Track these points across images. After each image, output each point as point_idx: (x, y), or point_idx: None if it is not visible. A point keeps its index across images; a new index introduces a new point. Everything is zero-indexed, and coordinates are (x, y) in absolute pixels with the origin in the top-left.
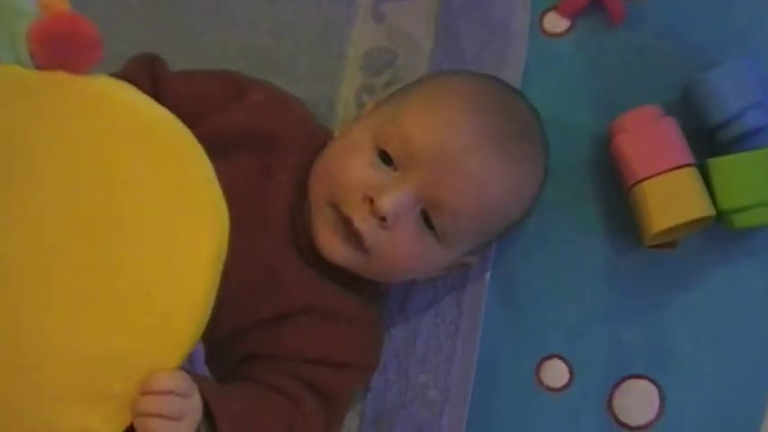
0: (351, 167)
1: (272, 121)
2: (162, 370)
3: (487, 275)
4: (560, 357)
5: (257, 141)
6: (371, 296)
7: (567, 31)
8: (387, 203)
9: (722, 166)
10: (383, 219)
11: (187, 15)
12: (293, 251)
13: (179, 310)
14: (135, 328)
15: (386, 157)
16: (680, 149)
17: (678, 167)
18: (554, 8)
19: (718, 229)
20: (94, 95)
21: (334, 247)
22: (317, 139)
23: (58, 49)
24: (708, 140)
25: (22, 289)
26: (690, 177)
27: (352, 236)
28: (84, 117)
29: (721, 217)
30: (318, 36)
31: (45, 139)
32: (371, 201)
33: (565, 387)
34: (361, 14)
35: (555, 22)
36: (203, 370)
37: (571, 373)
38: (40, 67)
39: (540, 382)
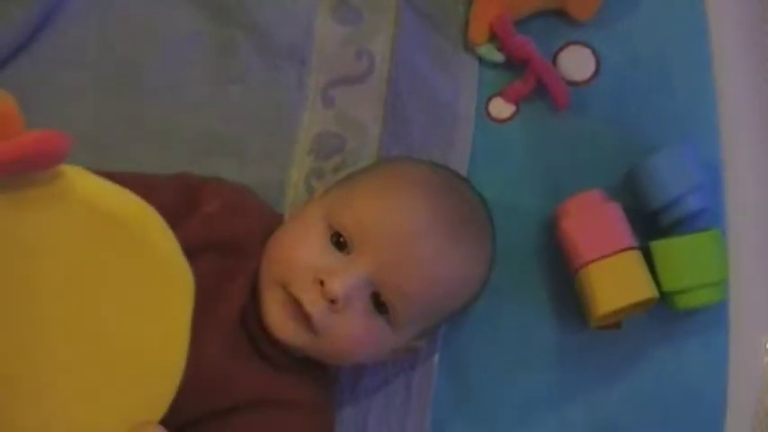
0: (302, 249)
1: (228, 230)
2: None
3: (436, 357)
4: None
5: (216, 249)
6: (322, 381)
7: (513, 116)
8: (337, 287)
9: (664, 248)
10: (333, 302)
11: (140, 98)
12: (245, 345)
13: (163, 369)
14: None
15: (338, 241)
16: (623, 233)
17: (622, 251)
18: (499, 94)
19: (662, 310)
20: (58, 192)
21: (283, 326)
22: (272, 227)
23: (24, 168)
24: (650, 223)
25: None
26: (633, 260)
27: (302, 317)
28: (49, 217)
29: (665, 298)
30: (269, 120)
31: (18, 247)
32: (322, 283)
33: None
34: (310, 99)
35: (500, 108)
36: None
37: None
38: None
39: None
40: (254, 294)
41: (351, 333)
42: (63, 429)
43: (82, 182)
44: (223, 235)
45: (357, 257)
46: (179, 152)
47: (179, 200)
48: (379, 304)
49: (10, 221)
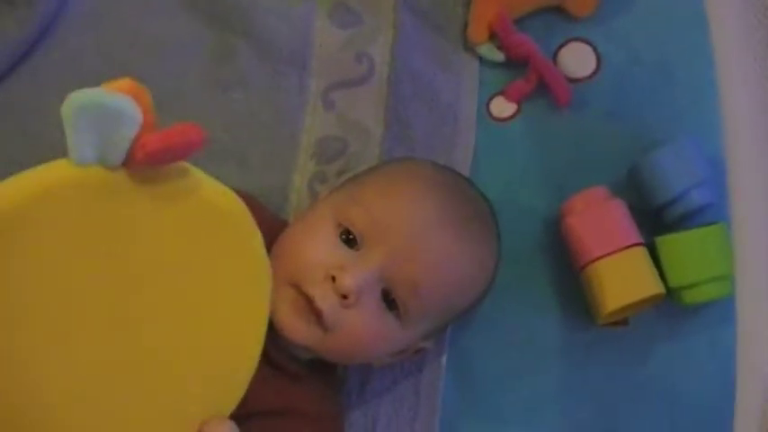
0: (312, 247)
1: None
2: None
3: (444, 359)
4: None
5: None
6: (332, 387)
7: (514, 115)
8: (349, 281)
9: (670, 244)
10: (345, 297)
11: None
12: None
13: (241, 360)
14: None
15: (347, 238)
16: (629, 230)
17: (627, 247)
18: (501, 93)
19: (668, 306)
20: (175, 190)
21: (294, 325)
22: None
23: (168, 159)
24: (655, 219)
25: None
26: (639, 257)
27: (313, 314)
28: (171, 211)
29: (671, 294)
30: (271, 125)
31: (139, 237)
32: (333, 279)
33: None
34: (311, 103)
35: (502, 107)
36: None
37: None
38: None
39: None
40: None
41: (361, 329)
42: (149, 414)
43: (202, 179)
44: None
45: (367, 253)
46: None
47: None
48: (389, 301)
49: (144, 213)
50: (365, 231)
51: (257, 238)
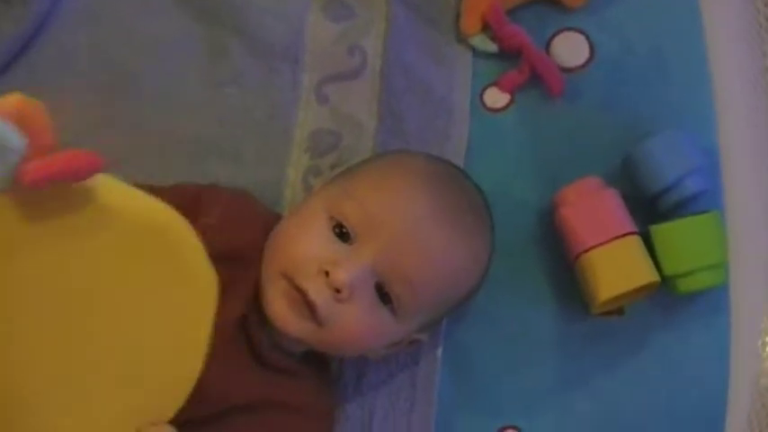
0: (306, 241)
1: (229, 242)
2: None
3: (439, 351)
4: (515, 428)
5: (216, 261)
6: (324, 382)
7: (508, 105)
8: (342, 276)
9: (664, 232)
10: (338, 291)
11: (135, 103)
12: (244, 352)
13: (180, 373)
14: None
15: (340, 232)
16: (623, 219)
17: (621, 236)
18: (494, 84)
19: (664, 294)
20: (92, 210)
21: (287, 317)
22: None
23: (56, 183)
24: (649, 208)
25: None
26: (633, 245)
27: (306, 308)
28: (85, 230)
29: (666, 282)
30: (264, 120)
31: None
32: (327, 274)
33: None
34: (304, 97)
35: (495, 98)
36: None
37: None
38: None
39: None
40: (254, 305)
41: (355, 323)
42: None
43: (116, 192)
44: (224, 247)
45: (361, 247)
46: (175, 157)
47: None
48: (383, 294)
49: (52, 239)
50: (358, 226)
51: (193, 249)
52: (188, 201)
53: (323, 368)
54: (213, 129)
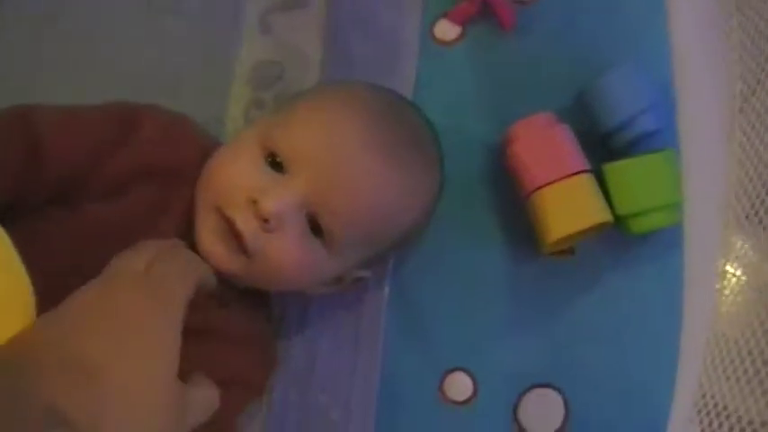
0: (236, 170)
1: (166, 157)
2: None
3: (386, 290)
4: (464, 370)
5: (154, 177)
6: (264, 316)
7: (459, 38)
8: (270, 205)
9: (617, 171)
10: (266, 221)
11: (67, 41)
12: None
13: None
14: None
15: (273, 161)
16: (575, 156)
17: (574, 174)
18: (444, 16)
19: (615, 234)
20: None
21: (216, 250)
22: (209, 151)
23: None
24: (602, 146)
25: None
26: (586, 184)
27: (235, 239)
28: None
29: (619, 222)
30: (204, 54)
31: None
32: (255, 203)
33: (469, 400)
34: (247, 28)
35: (446, 30)
36: None
37: (475, 385)
38: None
39: (445, 396)
40: (190, 224)
41: (284, 255)
42: None
43: None
44: (160, 161)
45: (291, 177)
46: (112, 93)
47: (112, 128)
48: (315, 226)
49: None
50: (289, 155)
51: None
52: (125, 115)
53: (263, 302)
54: (151, 63)
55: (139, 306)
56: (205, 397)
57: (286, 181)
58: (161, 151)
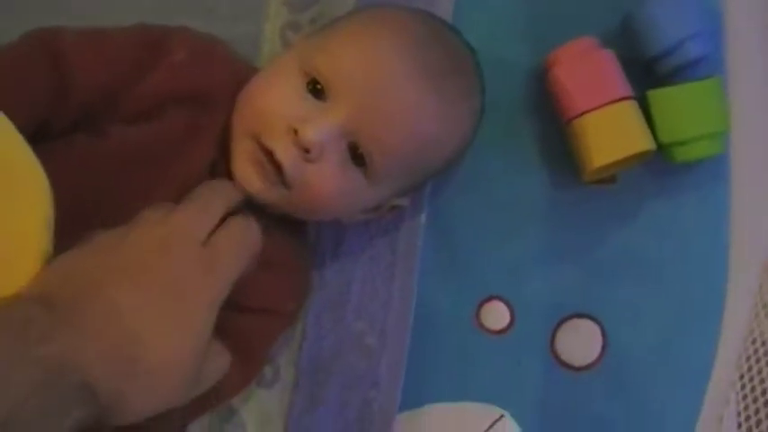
0: (276, 97)
1: (197, 81)
2: None
3: (422, 217)
4: (500, 299)
5: (185, 102)
6: (300, 242)
7: None
8: (311, 134)
9: (662, 98)
10: (307, 150)
11: None
12: None
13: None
14: None
15: (314, 88)
16: (618, 82)
17: (617, 101)
18: None
19: (658, 163)
20: None
21: (253, 180)
22: (247, 78)
23: None
24: (647, 72)
25: None
26: (629, 111)
27: (274, 169)
28: None
29: (662, 150)
30: None
31: None
32: (296, 132)
33: (506, 329)
34: None
35: None
36: None
37: (512, 314)
38: None
39: (481, 325)
40: (224, 150)
41: (325, 184)
42: None
43: None
44: (191, 85)
45: (333, 105)
46: (142, 14)
47: (141, 51)
48: (356, 156)
49: None
50: (331, 81)
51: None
52: (154, 39)
53: (298, 229)
54: None
55: (195, 282)
56: (217, 368)
57: (327, 109)
58: (192, 75)
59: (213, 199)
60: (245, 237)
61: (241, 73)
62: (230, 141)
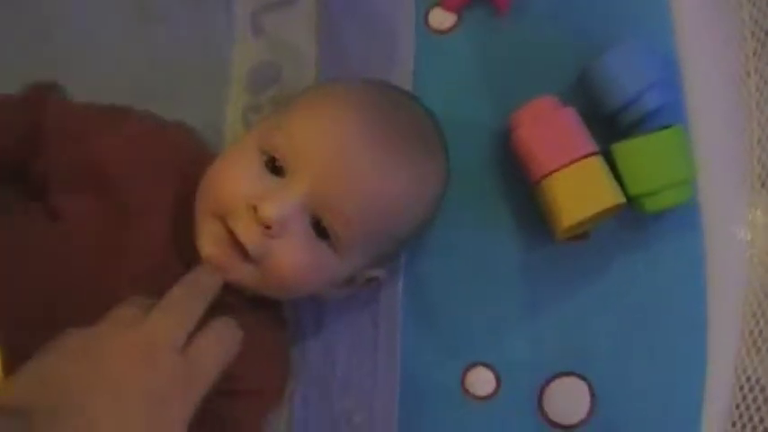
0: (235, 177)
1: (150, 151)
2: None
3: (399, 287)
4: (485, 364)
5: (135, 171)
6: (278, 322)
7: (454, 26)
8: (270, 211)
9: (626, 151)
10: (268, 227)
11: (59, 50)
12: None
13: None
14: None
15: (273, 166)
16: (582, 139)
17: (582, 158)
18: (438, 4)
19: (630, 214)
20: None
21: (221, 262)
22: (203, 162)
23: None
24: (609, 125)
25: None
26: (595, 167)
27: (239, 247)
28: None
29: (632, 202)
30: (197, 58)
31: None
32: (255, 209)
33: (493, 394)
34: (239, 30)
35: (441, 19)
36: None
37: (497, 378)
38: None
39: (467, 392)
40: (182, 224)
41: (291, 259)
42: None
43: None
44: (144, 155)
45: (291, 180)
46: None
47: (105, 115)
48: (320, 229)
49: None
50: (289, 157)
51: None
52: (118, 109)
53: (275, 310)
54: (144, 71)
55: (175, 396)
56: None
57: (286, 185)
58: (145, 146)
59: (191, 303)
60: (225, 343)
61: (193, 151)
62: (195, 221)
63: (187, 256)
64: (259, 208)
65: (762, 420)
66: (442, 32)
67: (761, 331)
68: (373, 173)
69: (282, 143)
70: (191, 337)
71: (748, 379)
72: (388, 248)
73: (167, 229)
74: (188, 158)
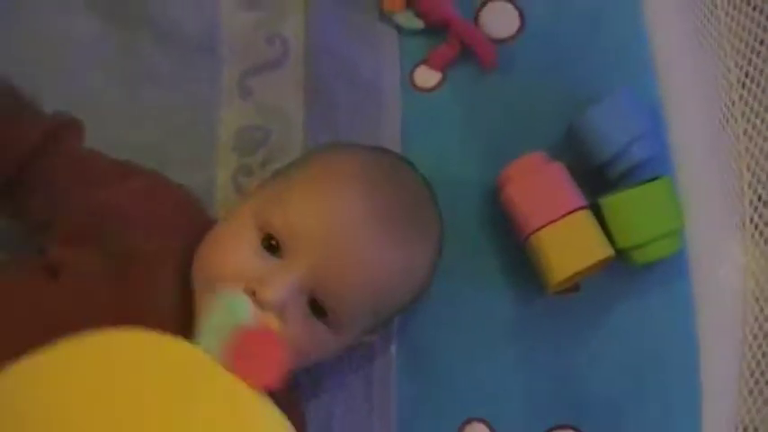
0: (233, 255)
1: (150, 207)
2: None
3: (393, 347)
4: (481, 420)
5: (136, 226)
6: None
7: (440, 84)
8: (269, 296)
9: (614, 204)
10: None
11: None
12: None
13: None
14: None
15: (269, 244)
16: (571, 194)
17: (571, 212)
18: (423, 62)
19: (620, 266)
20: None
21: None
22: (202, 225)
23: (244, 361)
24: (597, 177)
25: None
26: (584, 221)
27: None
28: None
29: (621, 255)
30: (186, 121)
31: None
32: (254, 293)
33: None
34: (227, 93)
35: (426, 77)
36: None
37: None
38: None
39: None
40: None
41: (290, 340)
42: None
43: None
44: (144, 211)
45: (289, 262)
46: None
47: (111, 168)
48: (317, 308)
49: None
50: (287, 238)
51: None
52: (122, 165)
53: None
54: (132, 133)
55: None
56: None
57: (284, 267)
58: (146, 201)
59: None
60: None
61: (194, 212)
62: (195, 295)
63: (193, 310)
64: (259, 293)
65: None
66: (427, 90)
67: (756, 381)
68: (372, 256)
69: (281, 224)
70: None
71: (745, 429)
72: (384, 319)
73: (174, 284)
74: (190, 218)
